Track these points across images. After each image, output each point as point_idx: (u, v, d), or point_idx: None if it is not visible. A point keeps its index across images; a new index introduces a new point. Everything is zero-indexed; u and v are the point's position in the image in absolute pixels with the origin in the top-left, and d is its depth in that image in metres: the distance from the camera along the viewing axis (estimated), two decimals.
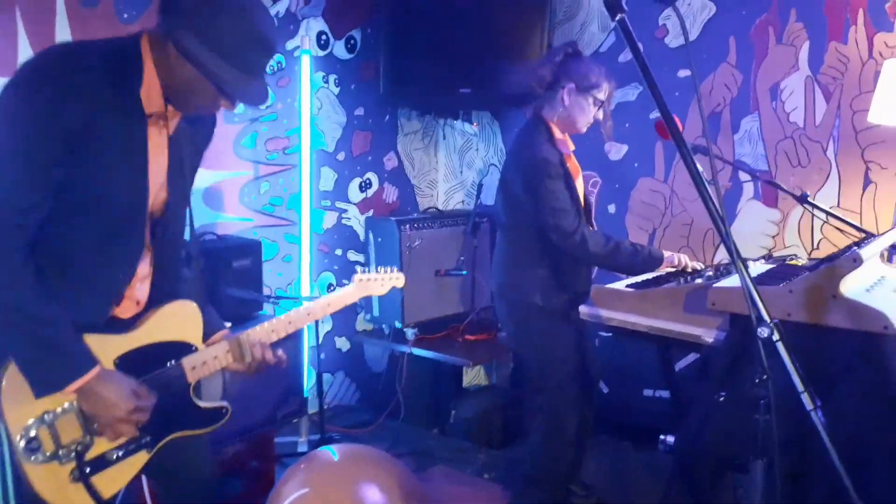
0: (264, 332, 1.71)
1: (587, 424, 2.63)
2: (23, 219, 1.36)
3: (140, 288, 1.59)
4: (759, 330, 1.14)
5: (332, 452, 1.98)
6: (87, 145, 1.37)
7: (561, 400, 2.52)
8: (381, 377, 3.73)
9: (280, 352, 1.73)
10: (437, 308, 3.67)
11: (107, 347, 1.49)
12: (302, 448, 3.22)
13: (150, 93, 1.45)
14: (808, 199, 2.42)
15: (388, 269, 1.95)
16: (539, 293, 2.51)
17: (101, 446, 1.49)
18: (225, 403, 1.70)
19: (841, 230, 2.53)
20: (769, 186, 3.07)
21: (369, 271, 1.91)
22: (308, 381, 3.35)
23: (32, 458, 1.41)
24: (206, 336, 1.67)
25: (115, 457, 1.51)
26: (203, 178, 3.18)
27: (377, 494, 1.80)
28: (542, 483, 2.60)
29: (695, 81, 1.43)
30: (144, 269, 1.59)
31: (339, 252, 3.78)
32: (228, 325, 1.81)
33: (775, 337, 1.13)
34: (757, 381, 1.15)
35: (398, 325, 3.56)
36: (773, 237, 3.18)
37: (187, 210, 1.66)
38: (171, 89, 1.45)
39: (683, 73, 3.32)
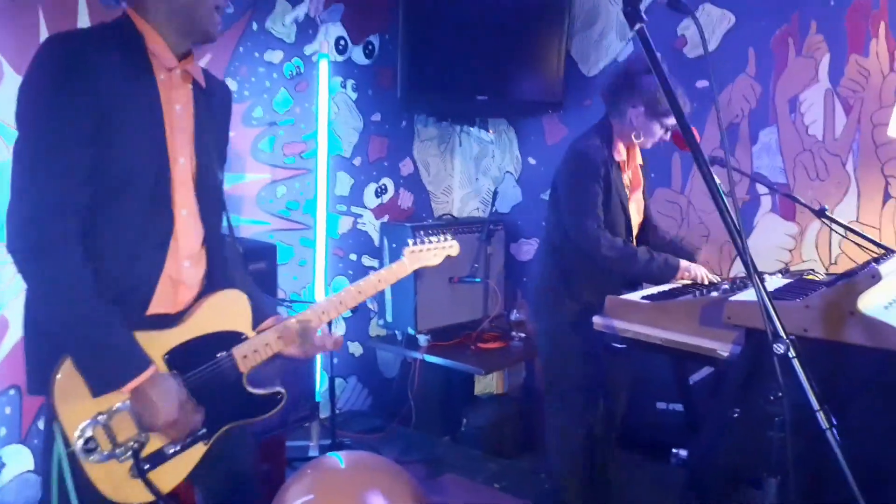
0: (316, 315, 1.67)
1: (604, 442, 2.61)
2: (74, 204, 1.37)
3: (190, 270, 1.56)
4: (774, 346, 1.12)
5: (338, 459, 1.97)
6: (109, 115, 1.38)
7: (563, 411, 2.51)
8: (393, 383, 3.74)
9: (338, 335, 1.71)
10: (451, 315, 3.67)
11: (155, 344, 1.48)
12: (313, 452, 3.23)
13: (158, 50, 1.47)
14: (827, 213, 2.39)
15: (441, 238, 1.87)
16: (553, 296, 2.53)
17: (157, 442, 1.49)
18: (280, 389, 1.65)
19: (859, 245, 2.50)
20: (787, 200, 3.04)
21: (421, 242, 1.83)
22: (320, 385, 3.36)
23: (91, 457, 1.41)
24: (256, 323, 1.64)
25: (171, 451, 1.51)
26: None
27: (382, 503, 1.80)
28: (557, 494, 2.59)
29: (713, 93, 1.42)
30: (193, 246, 1.56)
31: (353, 257, 3.79)
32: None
33: (791, 353, 1.12)
34: (772, 398, 1.13)
35: (411, 331, 3.56)
36: (791, 251, 3.15)
37: (221, 184, 1.64)
38: (174, 28, 1.47)
39: (701, 83, 3.31)
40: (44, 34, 2.60)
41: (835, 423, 1.12)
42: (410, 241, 1.83)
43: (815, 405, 1.10)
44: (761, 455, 1.23)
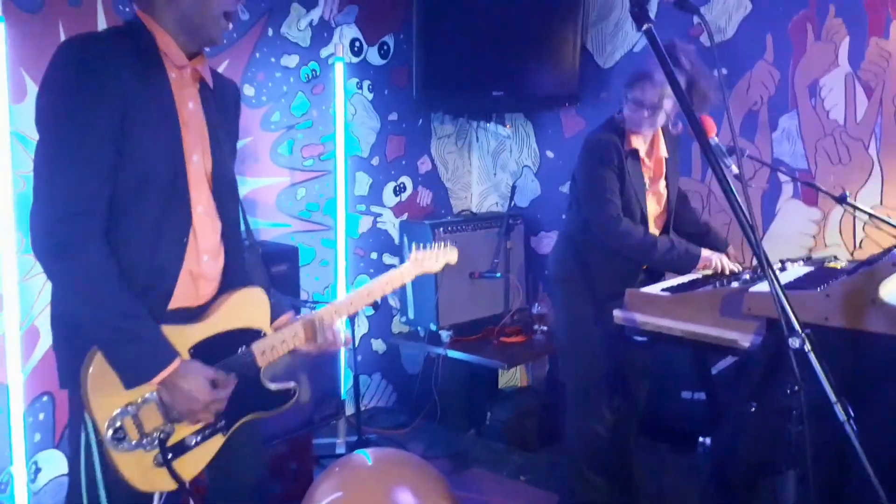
0: (328, 314, 1.75)
1: (625, 432, 2.62)
2: (96, 202, 1.41)
3: (209, 264, 1.61)
4: (790, 340, 1.12)
5: (365, 456, 2.01)
6: (126, 114, 1.42)
7: (583, 402, 2.54)
8: (417, 379, 3.77)
9: (347, 333, 1.78)
10: (472, 310, 3.68)
11: (182, 337, 1.53)
12: (340, 450, 3.27)
13: (167, 46, 1.50)
14: (848, 198, 2.36)
15: (441, 245, 1.98)
16: (572, 288, 2.55)
17: (181, 432, 1.55)
18: (292, 384, 1.74)
19: (883, 230, 2.47)
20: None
21: (424, 248, 1.94)
22: (345, 383, 3.40)
23: (119, 446, 1.46)
24: (272, 320, 1.71)
25: (193, 442, 1.57)
26: (241, 186, 3.25)
27: (410, 499, 1.82)
28: (577, 484, 2.60)
29: (720, 85, 1.42)
30: (211, 241, 1.61)
31: (374, 256, 3.83)
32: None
33: (807, 347, 1.12)
34: (788, 391, 1.14)
35: (433, 327, 3.59)
36: (814, 236, 3.12)
37: (235, 179, 1.69)
38: (183, 29, 1.50)
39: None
40: None
41: (852, 414, 1.12)
42: (415, 246, 1.94)
43: (833, 397, 1.11)
44: (780, 447, 1.23)
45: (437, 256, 1.97)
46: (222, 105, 1.67)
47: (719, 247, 2.59)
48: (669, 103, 2.38)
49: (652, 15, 1.24)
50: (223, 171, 1.63)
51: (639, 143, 2.47)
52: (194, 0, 1.48)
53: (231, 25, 1.58)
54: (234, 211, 1.69)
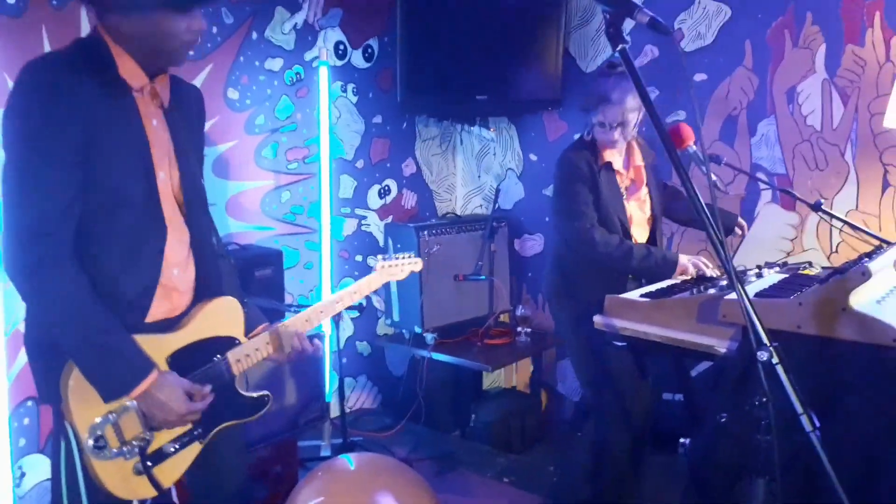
0: (300, 322, 1.81)
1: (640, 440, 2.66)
2: (64, 223, 1.43)
3: (180, 276, 1.63)
4: (758, 353, 1.16)
5: (348, 461, 2.03)
6: (93, 135, 1.43)
7: (599, 407, 2.58)
8: (402, 381, 3.79)
9: (316, 340, 1.83)
10: (457, 313, 3.71)
11: (159, 347, 1.57)
12: (325, 452, 3.29)
13: (128, 69, 1.51)
14: (823, 206, 2.42)
15: (407, 255, 2.11)
16: (555, 298, 2.63)
17: (159, 440, 1.58)
18: (266, 392, 1.79)
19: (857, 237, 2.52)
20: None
21: (390, 258, 2.06)
22: (330, 385, 3.42)
23: (100, 455, 1.49)
24: (248, 329, 1.76)
25: (171, 449, 1.60)
26: (225, 189, 3.26)
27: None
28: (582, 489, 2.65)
29: (691, 94, 1.45)
30: (179, 253, 1.63)
31: (359, 258, 3.84)
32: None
33: (774, 360, 1.15)
34: (756, 402, 1.17)
35: (418, 329, 3.61)
36: (792, 240, 3.18)
37: (204, 189, 1.72)
38: (143, 53, 1.51)
39: (699, 76, 3.33)
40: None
41: (818, 425, 1.16)
42: (380, 257, 2.07)
43: (799, 409, 1.14)
44: (751, 457, 1.27)
45: (402, 266, 2.09)
46: (186, 114, 1.68)
47: (729, 224, 2.67)
48: (634, 115, 2.44)
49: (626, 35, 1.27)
50: (191, 183, 1.65)
51: (612, 156, 2.53)
52: (152, 32, 1.48)
53: (193, 52, 1.59)
54: (204, 222, 1.72)
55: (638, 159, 2.61)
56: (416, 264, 2.11)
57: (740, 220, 2.72)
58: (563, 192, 2.52)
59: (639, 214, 2.62)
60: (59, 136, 1.40)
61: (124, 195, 1.49)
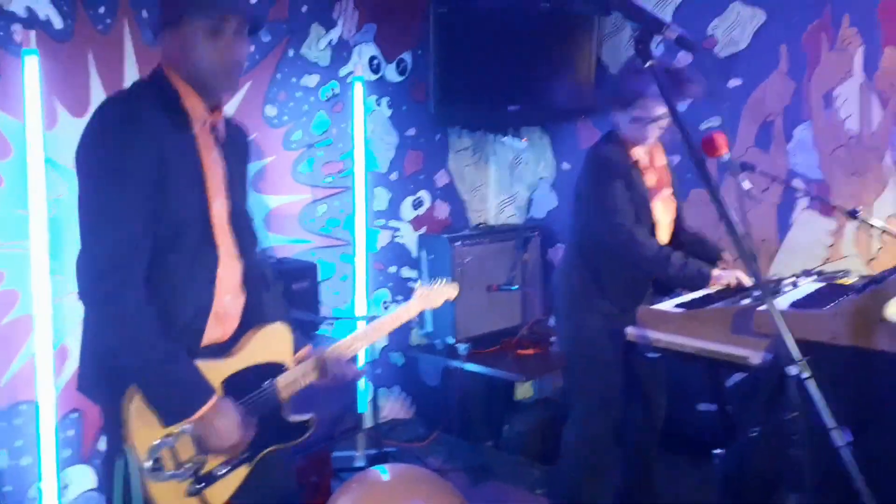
0: (344, 348, 1.86)
1: (646, 447, 2.63)
2: (137, 253, 1.51)
3: (231, 303, 1.70)
4: (787, 368, 1.15)
5: (382, 472, 2.05)
6: (163, 168, 1.52)
7: (585, 416, 2.56)
8: (435, 391, 3.80)
9: (359, 366, 1.86)
10: (489, 323, 3.72)
11: (215, 372, 1.63)
12: (359, 463, 3.32)
13: (191, 102, 1.60)
14: (860, 214, 2.37)
15: (443, 282, 2.17)
16: (580, 304, 2.56)
17: (211, 463, 1.64)
18: (311, 416, 1.84)
19: None
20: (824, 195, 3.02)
21: (427, 284, 2.13)
22: (364, 396, 3.45)
23: (156, 476, 1.55)
24: (293, 352, 1.82)
25: (222, 472, 1.65)
26: (264, 203, 3.33)
27: None
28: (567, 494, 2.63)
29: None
30: (232, 280, 1.70)
31: (393, 269, 3.88)
32: None
33: (805, 375, 1.15)
34: (787, 417, 1.16)
35: (451, 340, 3.63)
36: (830, 247, 3.12)
37: (252, 220, 1.80)
38: (202, 80, 1.59)
39: (734, 82, 3.29)
40: (94, 78, 2.75)
41: (850, 440, 1.14)
42: (419, 283, 2.15)
43: (830, 423, 1.13)
44: (784, 470, 1.26)
45: (439, 293, 2.16)
46: (234, 150, 1.76)
47: (714, 256, 2.58)
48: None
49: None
50: (241, 213, 1.73)
51: (640, 154, 2.50)
52: (207, 54, 1.56)
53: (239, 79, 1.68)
54: (253, 251, 1.79)
55: (661, 160, 2.58)
56: (451, 291, 2.18)
57: (725, 253, 2.62)
58: (597, 187, 2.43)
59: (664, 216, 2.59)
60: (135, 169, 1.49)
61: (184, 224, 1.58)
